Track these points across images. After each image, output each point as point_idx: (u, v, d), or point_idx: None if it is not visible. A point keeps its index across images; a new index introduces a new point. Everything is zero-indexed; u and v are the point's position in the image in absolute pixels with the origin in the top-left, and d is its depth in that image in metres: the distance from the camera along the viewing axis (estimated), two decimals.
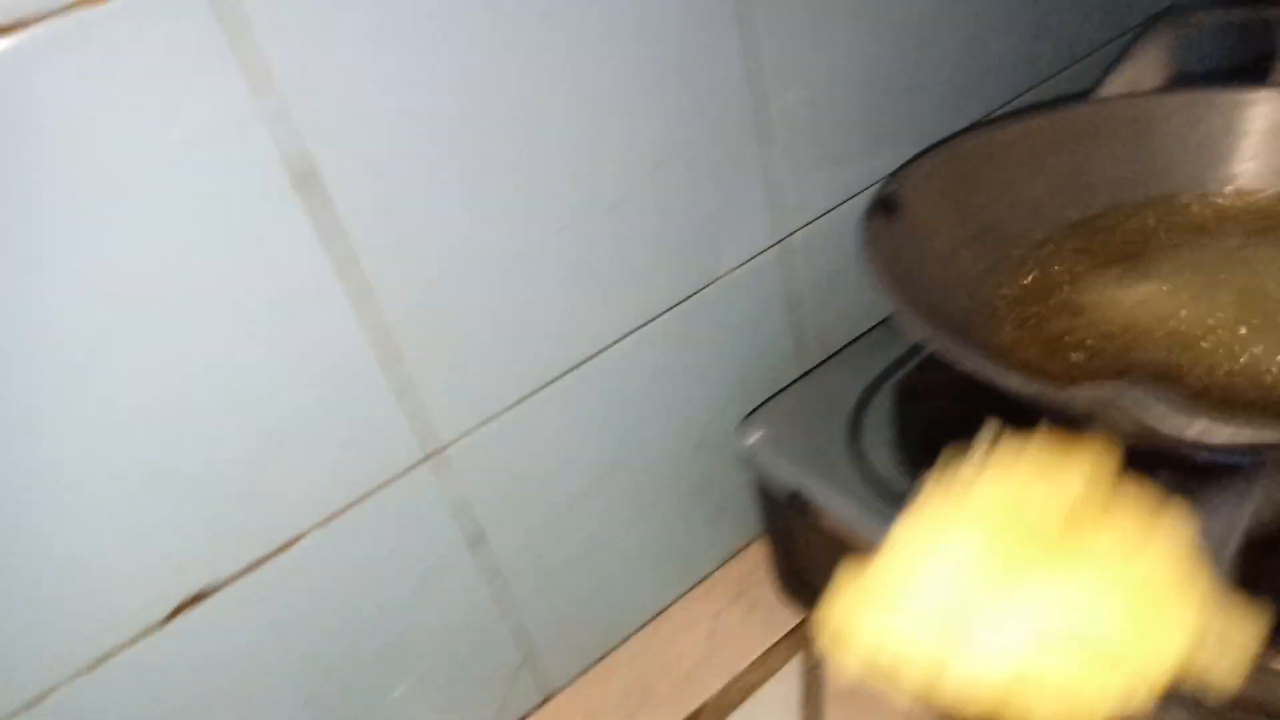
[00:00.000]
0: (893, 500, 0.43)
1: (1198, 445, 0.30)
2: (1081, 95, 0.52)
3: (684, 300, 0.52)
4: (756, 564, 0.61)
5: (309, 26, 0.35)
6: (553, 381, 0.48)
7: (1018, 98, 0.61)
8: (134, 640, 0.39)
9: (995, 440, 0.27)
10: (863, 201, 0.57)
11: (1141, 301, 0.42)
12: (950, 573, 0.25)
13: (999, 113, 0.60)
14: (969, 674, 0.24)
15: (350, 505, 0.43)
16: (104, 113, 0.32)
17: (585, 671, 0.57)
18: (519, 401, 0.47)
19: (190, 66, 0.33)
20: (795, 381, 0.56)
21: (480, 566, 0.49)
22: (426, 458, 0.45)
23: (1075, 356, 0.42)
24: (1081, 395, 0.30)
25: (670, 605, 0.60)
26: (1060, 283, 0.46)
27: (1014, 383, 0.32)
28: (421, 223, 0.41)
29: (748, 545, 0.63)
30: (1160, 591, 0.23)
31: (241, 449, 0.39)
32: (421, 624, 0.48)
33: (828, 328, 0.60)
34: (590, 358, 0.49)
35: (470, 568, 0.49)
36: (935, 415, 0.46)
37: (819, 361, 0.59)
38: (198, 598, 0.40)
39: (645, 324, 0.51)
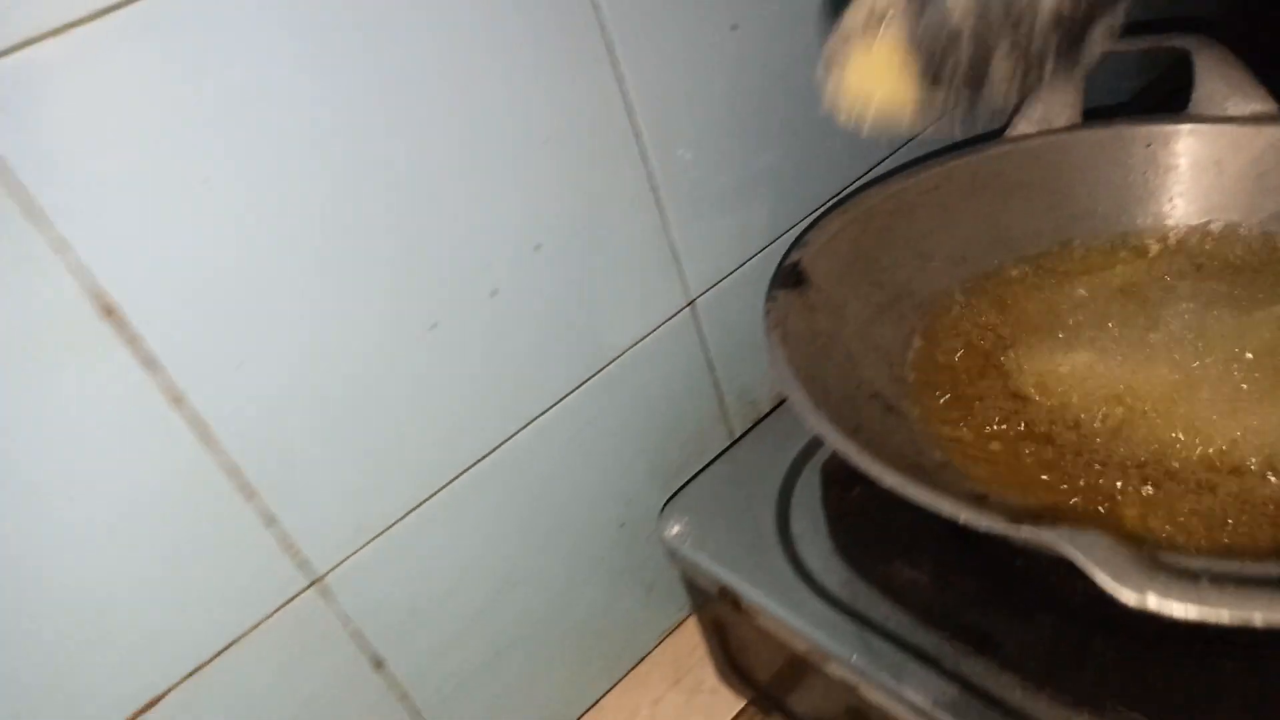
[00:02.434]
0: (828, 598, 0.40)
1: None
2: (990, 136, 0.49)
3: (587, 380, 0.48)
4: (695, 643, 0.57)
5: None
6: (436, 493, 0.44)
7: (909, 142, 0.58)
8: None
9: None
10: (772, 254, 0.54)
11: (1076, 374, 0.39)
12: None
13: (898, 157, 0.57)
14: None
15: (241, 637, 0.39)
16: None
17: None
18: (398, 520, 0.43)
19: None
20: (719, 456, 0.52)
21: (391, 684, 0.45)
22: (309, 586, 0.40)
23: (1022, 449, 0.38)
24: (1017, 535, 0.26)
25: (603, 697, 0.56)
26: (986, 352, 0.43)
27: (940, 507, 0.29)
28: (253, 343, 0.36)
29: (685, 620, 0.59)
30: None
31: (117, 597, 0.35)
32: None
33: (750, 387, 0.56)
34: (481, 459, 0.45)
35: (380, 687, 0.44)
36: (865, 503, 0.43)
37: (748, 425, 0.56)
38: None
39: (544, 412, 0.46)
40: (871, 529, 0.41)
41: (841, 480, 0.43)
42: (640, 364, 0.50)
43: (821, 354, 0.38)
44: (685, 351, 0.53)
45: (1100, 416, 0.38)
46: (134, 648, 0.36)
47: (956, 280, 0.45)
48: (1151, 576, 0.25)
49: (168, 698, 0.38)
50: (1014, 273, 0.45)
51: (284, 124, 0.34)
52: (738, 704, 0.53)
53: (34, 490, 0.32)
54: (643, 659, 0.57)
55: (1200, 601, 0.25)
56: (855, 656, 0.37)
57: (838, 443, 0.32)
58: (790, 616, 0.40)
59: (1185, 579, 0.25)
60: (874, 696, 0.37)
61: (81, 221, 0.31)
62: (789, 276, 0.40)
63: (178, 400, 0.34)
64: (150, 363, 0.33)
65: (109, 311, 0.32)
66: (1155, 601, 0.25)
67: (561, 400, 0.47)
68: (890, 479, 0.30)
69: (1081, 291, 0.44)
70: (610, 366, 0.48)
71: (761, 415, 0.57)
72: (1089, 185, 0.46)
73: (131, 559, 0.35)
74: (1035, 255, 0.46)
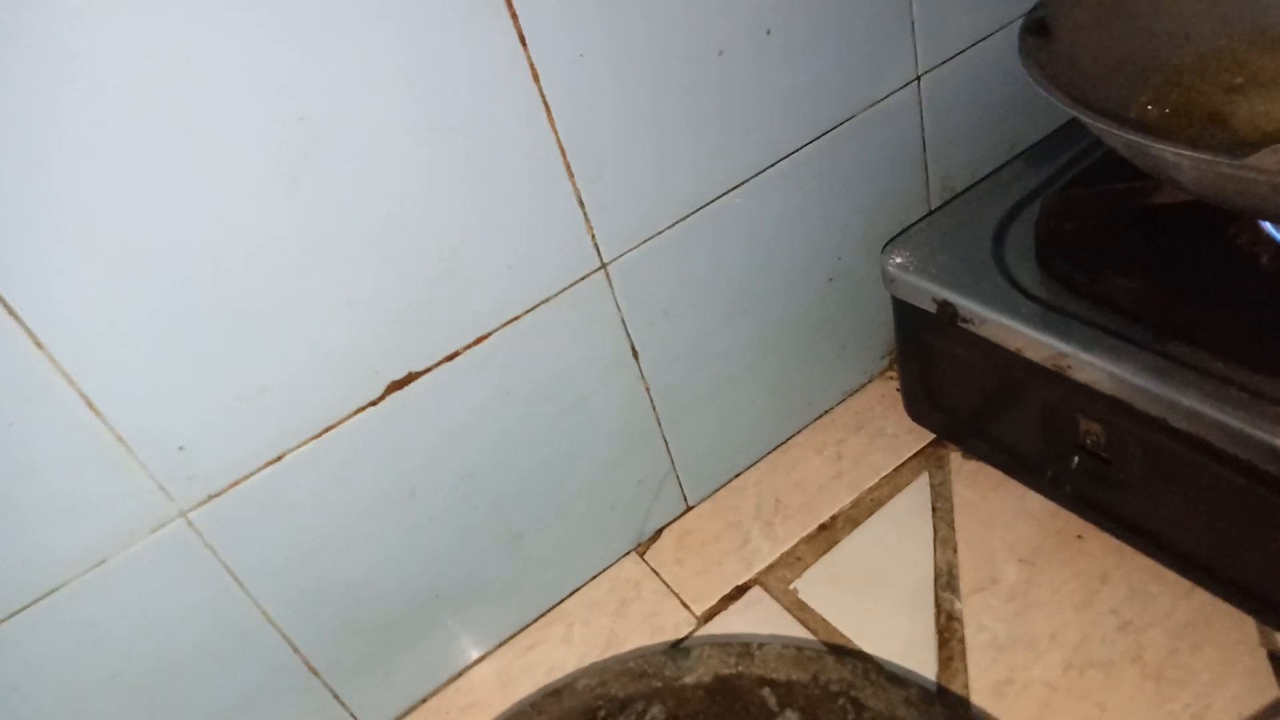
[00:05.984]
0: (1043, 303, 0.46)
1: None
2: None
3: (827, 133, 0.54)
4: (874, 402, 0.65)
5: None
6: (702, 207, 0.51)
7: None
8: (356, 412, 0.44)
9: None
10: (998, 40, 0.59)
11: None
12: None
13: None
14: None
15: (550, 298, 0.48)
16: None
17: (721, 487, 0.62)
18: (673, 225, 0.50)
19: None
20: (927, 215, 0.58)
21: (639, 376, 0.54)
22: (600, 267, 0.49)
23: None
24: (1268, 160, 0.32)
25: (794, 436, 0.64)
26: (1208, 111, 0.48)
27: (1188, 154, 0.34)
28: (597, 34, 0.43)
29: (864, 386, 0.66)
30: None
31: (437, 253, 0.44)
32: (591, 423, 0.53)
33: (951, 174, 0.62)
34: (736, 186, 0.52)
35: (633, 375, 0.53)
36: (1079, 233, 0.49)
37: (942, 204, 0.62)
38: (405, 380, 0.45)
39: (789, 154, 0.53)
40: (1083, 255, 0.47)
41: (1056, 215, 0.50)
42: (872, 127, 0.56)
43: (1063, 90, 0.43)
44: (908, 125, 0.58)
45: None
46: (478, 281, 0.46)
47: (1187, 45, 0.49)
48: None
49: (494, 335, 0.47)
50: (1256, 40, 0.49)
51: None
52: (916, 445, 0.61)
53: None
54: (827, 412, 0.65)
55: None
56: (1068, 343, 0.44)
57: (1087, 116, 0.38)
58: (1007, 319, 0.46)
59: None
60: (1084, 375, 0.43)
61: None
62: (1035, 26, 0.46)
63: (536, 78, 0.42)
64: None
65: None
66: None
67: (806, 146, 0.53)
68: (1139, 140, 0.36)
69: None
70: (849, 123, 0.54)
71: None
72: None
73: (483, 224, 0.44)
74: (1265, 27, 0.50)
